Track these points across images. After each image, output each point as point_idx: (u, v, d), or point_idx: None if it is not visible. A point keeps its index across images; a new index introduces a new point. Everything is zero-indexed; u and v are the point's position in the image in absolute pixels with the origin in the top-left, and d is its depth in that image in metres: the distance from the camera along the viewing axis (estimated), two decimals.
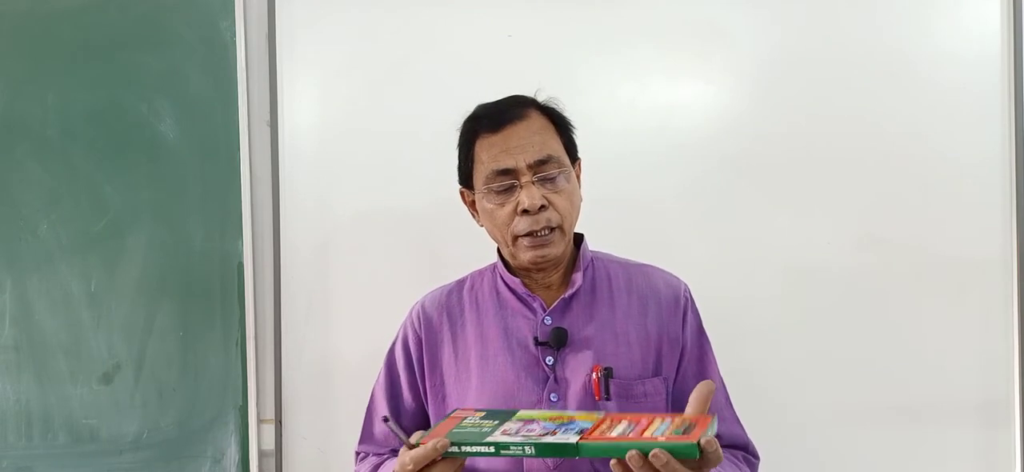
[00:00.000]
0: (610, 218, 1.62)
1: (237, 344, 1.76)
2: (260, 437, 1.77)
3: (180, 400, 1.76)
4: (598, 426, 0.94)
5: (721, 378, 1.19)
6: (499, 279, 1.21)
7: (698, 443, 0.84)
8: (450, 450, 0.94)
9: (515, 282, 1.17)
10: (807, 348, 1.68)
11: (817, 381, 1.68)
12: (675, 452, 0.84)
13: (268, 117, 1.79)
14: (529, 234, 1.11)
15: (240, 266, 1.76)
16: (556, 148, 1.14)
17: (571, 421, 0.96)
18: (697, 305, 1.22)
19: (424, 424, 1.18)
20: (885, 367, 1.67)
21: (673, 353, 1.16)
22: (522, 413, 1.00)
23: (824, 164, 1.69)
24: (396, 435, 1.00)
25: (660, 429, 0.91)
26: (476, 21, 1.75)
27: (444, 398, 1.16)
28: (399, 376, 1.23)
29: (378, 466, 1.19)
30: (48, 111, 1.76)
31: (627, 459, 0.84)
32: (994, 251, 1.66)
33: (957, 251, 1.66)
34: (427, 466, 0.94)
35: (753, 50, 1.72)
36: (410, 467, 0.93)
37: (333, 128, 1.78)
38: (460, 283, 1.26)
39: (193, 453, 1.76)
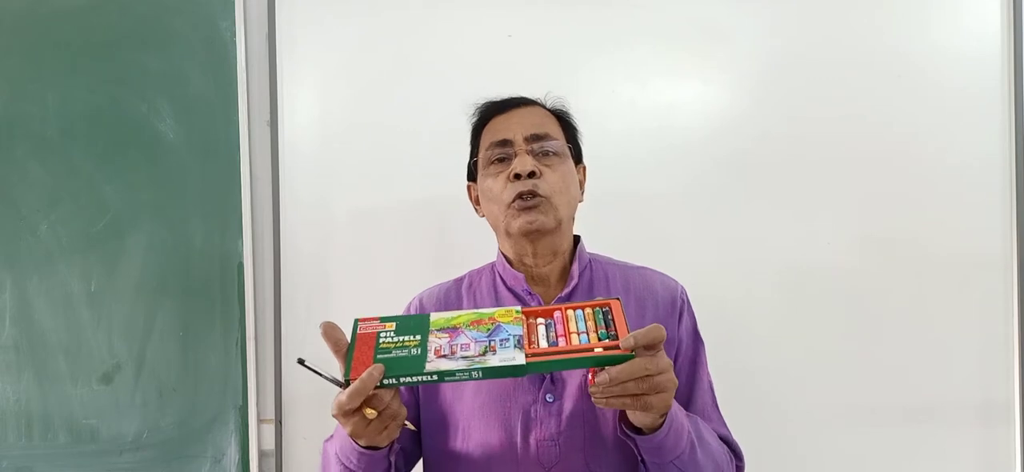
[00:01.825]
0: (611, 217, 1.63)
1: (237, 344, 1.76)
2: (260, 437, 1.77)
3: (180, 400, 1.76)
4: (527, 332, 0.95)
5: (710, 380, 1.19)
6: (498, 277, 1.21)
7: (632, 350, 0.90)
8: (388, 382, 0.91)
9: (513, 280, 1.18)
10: (807, 348, 1.68)
11: (817, 381, 1.68)
12: (613, 362, 0.90)
13: (268, 117, 1.79)
14: (518, 197, 1.12)
15: (240, 266, 1.76)
16: (555, 131, 1.18)
17: (496, 325, 0.96)
18: (695, 305, 1.22)
19: (416, 416, 1.17)
20: (885, 367, 1.67)
21: (669, 353, 1.15)
22: (436, 319, 0.98)
23: (824, 164, 1.69)
24: (320, 375, 0.96)
25: (580, 327, 0.96)
26: (476, 21, 1.75)
27: (438, 392, 1.16)
28: None
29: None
30: (48, 111, 1.76)
31: (594, 400, 0.92)
32: (994, 251, 1.66)
33: (957, 250, 1.66)
34: (365, 401, 0.91)
35: (753, 50, 1.72)
36: (348, 405, 0.90)
37: (333, 128, 1.78)
38: (458, 281, 1.26)
39: (193, 453, 1.76)
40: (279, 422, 1.78)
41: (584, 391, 1.09)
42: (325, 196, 1.78)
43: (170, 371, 1.75)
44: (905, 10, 1.69)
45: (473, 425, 1.11)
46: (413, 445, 1.18)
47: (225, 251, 1.76)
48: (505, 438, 1.09)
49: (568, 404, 1.09)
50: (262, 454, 1.77)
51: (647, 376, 0.89)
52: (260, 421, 1.78)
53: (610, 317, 0.98)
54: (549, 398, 1.09)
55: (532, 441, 1.08)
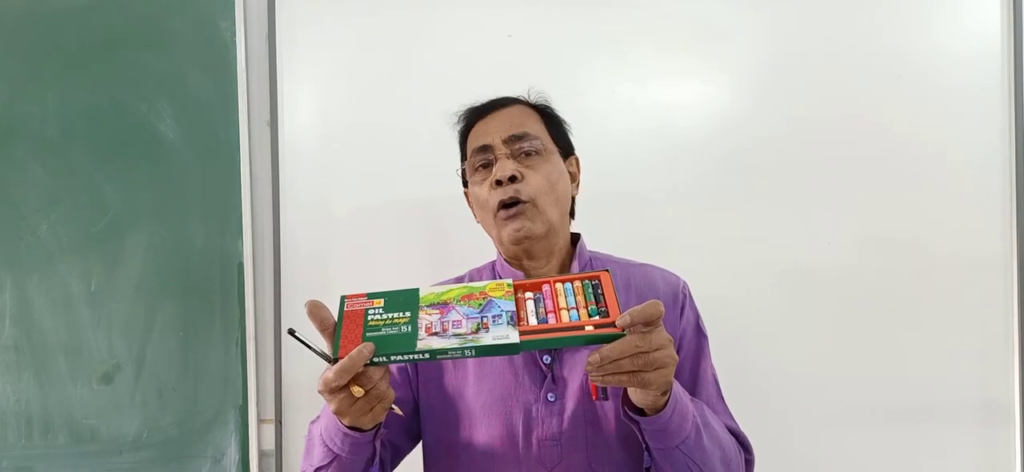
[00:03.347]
0: (610, 217, 1.62)
1: (237, 344, 1.76)
2: (260, 437, 1.77)
3: (180, 400, 1.76)
4: (518, 308, 0.94)
5: (714, 373, 1.19)
6: (497, 277, 1.21)
7: (624, 330, 0.89)
8: (378, 360, 0.89)
9: (513, 278, 1.17)
10: (807, 348, 1.68)
11: (817, 381, 1.68)
12: (607, 340, 0.89)
13: (268, 117, 1.79)
14: (502, 206, 1.12)
15: (240, 266, 1.76)
16: (536, 129, 1.17)
17: (487, 300, 0.95)
18: (696, 304, 1.22)
19: (415, 413, 1.17)
20: (885, 367, 1.67)
21: None
22: (426, 295, 0.97)
23: (824, 164, 1.69)
24: (310, 348, 0.94)
25: (570, 303, 0.95)
26: (476, 21, 1.75)
27: (439, 385, 1.16)
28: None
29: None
30: (48, 111, 1.76)
31: (591, 377, 0.90)
32: (994, 251, 1.66)
33: (957, 251, 1.66)
34: (353, 379, 0.90)
35: (753, 50, 1.72)
36: (335, 382, 0.89)
37: (333, 127, 1.78)
38: (458, 280, 1.26)
39: (193, 453, 1.76)
40: (279, 422, 1.78)
41: (586, 390, 1.09)
42: (325, 196, 1.78)
43: (170, 371, 1.75)
44: (905, 10, 1.69)
45: (475, 423, 1.11)
46: (403, 439, 1.18)
47: (225, 251, 1.76)
48: (507, 437, 1.09)
49: (570, 404, 1.08)
50: (262, 454, 1.77)
51: (641, 353, 0.88)
52: (260, 421, 1.78)
53: (600, 291, 0.96)
54: (551, 397, 1.09)
55: (534, 441, 1.08)
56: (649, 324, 0.89)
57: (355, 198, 1.76)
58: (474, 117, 1.21)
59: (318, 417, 1.08)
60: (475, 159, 1.17)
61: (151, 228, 1.76)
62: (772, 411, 1.67)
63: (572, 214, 1.24)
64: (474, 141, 1.18)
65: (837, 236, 1.69)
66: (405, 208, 1.75)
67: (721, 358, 1.23)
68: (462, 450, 1.12)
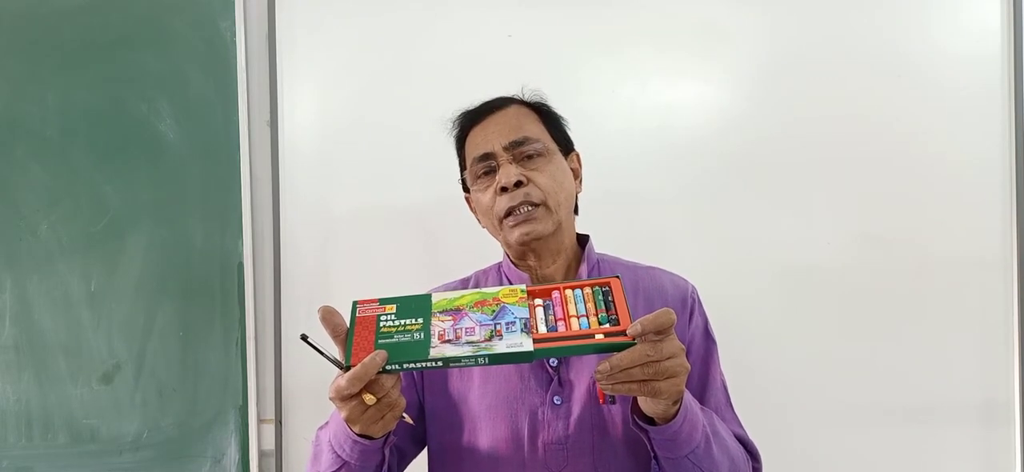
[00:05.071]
0: (610, 217, 1.62)
1: (237, 344, 1.76)
2: (260, 437, 1.77)
3: (180, 400, 1.76)
4: (531, 313, 0.93)
5: (723, 380, 1.18)
6: (504, 278, 1.20)
7: (634, 338, 0.88)
8: (391, 367, 0.88)
9: (519, 280, 1.16)
10: (807, 348, 1.68)
11: (817, 381, 1.68)
12: (618, 348, 0.88)
13: (268, 117, 1.79)
14: (510, 212, 1.11)
15: (240, 266, 1.76)
16: (535, 131, 1.15)
17: (500, 307, 0.93)
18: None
19: (420, 417, 1.17)
20: (885, 367, 1.67)
21: None
22: (438, 301, 0.95)
23: (824, 164, 1.69)
24: (323, 355, 0.92)
25: (579, 310, 0.94)
26: (476, 21, 1.75)
27: (444, 388, 1.15)
28: None
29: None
30: (48, 111, 1.76)
31: (602, 386, 0.89)
32: (994, 251, 1.66)
33: (957, 251, 1.66)
34: (365, 386, 0.88)
35: (753, 50, 1.72)
36: (347, 390, 0.88)
37: (333, 127, 1.78)
38: (464, 281, 1.25)
39: (193, 453, 1.76)
40: (279, 422, 1.78)
41: (592, 394, 1.08)
42: (325, 196, 1.77)
43: (170, 371, 1.75)
44: (905, 10, 1.69)
45: (480, 426, 1.10)
46: (409, 444, 1.17)
47: (225, 251, 1.76)
48: (512, 440, 1.08)
49: (576, 407, 1.08)
50: (262, 454, 1.77)
51: (652, 361, 0.87)
52: (260, 421, 1.78)
53: (610, 298, 0.95)
54: (557, 400, 1.08)
55: (539, 444, 1.07)
56: (660, 333, 0.88)
57: (355, 198, 1.76)
58: (469, 122, 1.19)
59: (326, 423, 1.07)
60: (477, 167, 1.15)
61: (151, 228, 1.76)
62: (772, 411, 1.67)
63: (576, 211, 1.23)
64: (473, 149, 1.16)
65: (837, 236, 1.69)
66: (405, 208, 1.75)
67: (722, 357, 1.23)
68: (467, 454, 1.11)
